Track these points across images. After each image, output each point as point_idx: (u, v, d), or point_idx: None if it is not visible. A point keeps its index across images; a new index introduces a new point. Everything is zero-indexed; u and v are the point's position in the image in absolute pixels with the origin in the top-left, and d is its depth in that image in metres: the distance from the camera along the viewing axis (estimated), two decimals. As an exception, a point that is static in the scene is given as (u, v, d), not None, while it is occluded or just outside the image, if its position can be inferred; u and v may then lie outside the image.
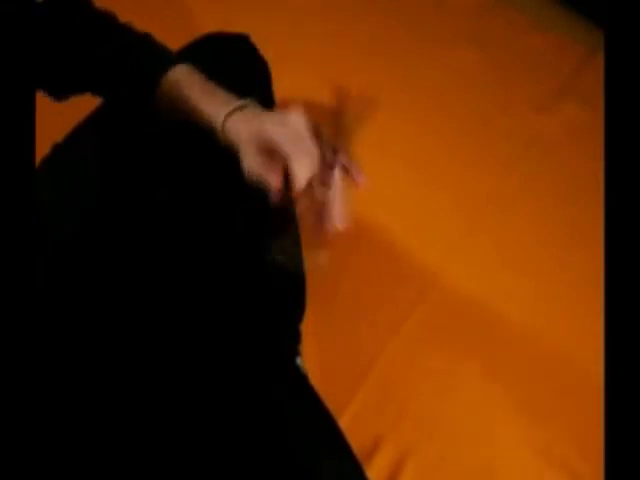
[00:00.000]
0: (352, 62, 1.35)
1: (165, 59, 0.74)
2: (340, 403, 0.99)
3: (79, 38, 0.74)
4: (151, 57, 0.74)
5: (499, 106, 1.34)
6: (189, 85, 0.72)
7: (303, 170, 0.65)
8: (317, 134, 0.68)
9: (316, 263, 0.77)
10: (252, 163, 0.67)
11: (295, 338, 0.88)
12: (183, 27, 1.30)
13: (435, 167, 1.25)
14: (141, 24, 0.77)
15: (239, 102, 0.70)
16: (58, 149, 0.84)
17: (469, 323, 1.11)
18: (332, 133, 0.71)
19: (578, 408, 1.04)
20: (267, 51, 0.87)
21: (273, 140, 0.66)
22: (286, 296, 0.87)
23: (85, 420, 0.71)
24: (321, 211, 0.67)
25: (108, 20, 0.76)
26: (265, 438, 0.73)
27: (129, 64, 0.73)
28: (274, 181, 0.66)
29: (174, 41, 0.80)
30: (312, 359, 0.97)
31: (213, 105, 0.71)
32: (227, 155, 0.70)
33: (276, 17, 1.39)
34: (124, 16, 0.78)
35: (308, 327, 0.93)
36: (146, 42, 0.75)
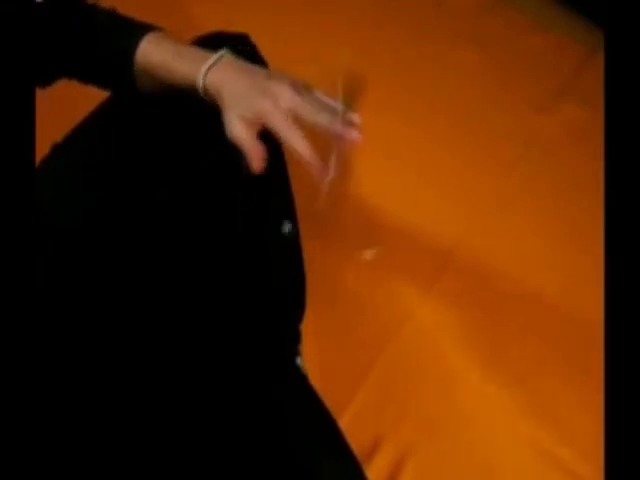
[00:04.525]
0: (352, 62, 1.35)
1: (135, 31, 0.74)
2: (340, 403, 0.99)
3: (58, 27, 0.76)
4: (121, 33, 0.74)
5: (499, 106, 1.34)
6: (162, 50, 0.72)
7: (299, 147, 0.66)
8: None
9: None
10: (236, 128, 0.67)
11: (295, 338, 0.88)
12: (183, 27, 1.29)
13: (435, 167, 1.25)
14: (141, 24, 0.77)
15: (215, 55, 0.71)
16: (58, 149, 0.84)
17: (469, 323, 1.11)
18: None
19: (579, 407, 1.04)
20: (267, 51, 0.87)
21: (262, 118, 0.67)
22: (286, 296, 0.87)
23: (85, 420, 0.71)
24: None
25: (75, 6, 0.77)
26: (265, 438, 0.73)
27: (101, 44, 0.74)
28: (256, 151, 0.66)
29: (174, 41, 0.80)
30: (312, 359, 0.97)
31: (187, 63, 0.71)
32: (227, 152, 0.70)
33: (277, 17, 1.39)
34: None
35: (308, 327, 0.92)
36: (114, 19, 0.76)
